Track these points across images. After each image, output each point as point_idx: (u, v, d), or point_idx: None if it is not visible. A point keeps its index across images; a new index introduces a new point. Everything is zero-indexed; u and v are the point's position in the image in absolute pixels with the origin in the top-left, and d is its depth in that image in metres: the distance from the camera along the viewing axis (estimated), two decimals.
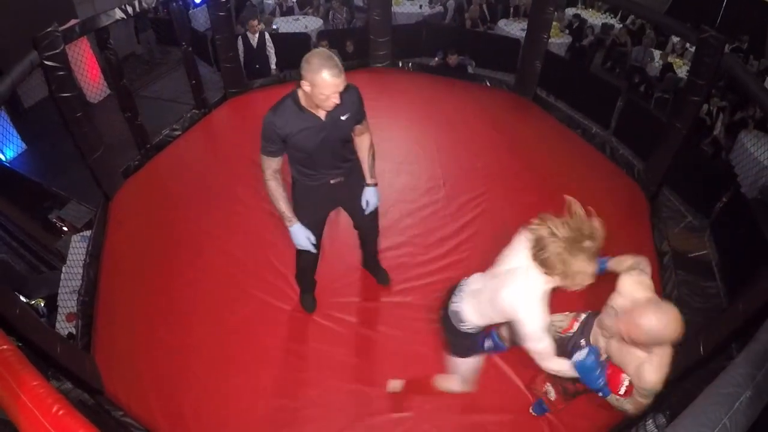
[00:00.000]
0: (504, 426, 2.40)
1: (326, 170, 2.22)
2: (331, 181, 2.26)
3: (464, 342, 1.85)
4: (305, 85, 1.89)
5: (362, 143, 2.30)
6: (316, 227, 2.37)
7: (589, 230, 1.37)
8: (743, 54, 6.96)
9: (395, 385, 2.39)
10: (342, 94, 1.92)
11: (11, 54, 3.35)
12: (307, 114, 2.01)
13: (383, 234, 3.03)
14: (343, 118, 2.06)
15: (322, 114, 2.02)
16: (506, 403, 2.49)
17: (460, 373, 2.00)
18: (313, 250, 2.32)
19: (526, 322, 1.51)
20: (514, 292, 1.51)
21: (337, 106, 1.96)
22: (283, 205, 2.18)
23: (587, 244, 1.36)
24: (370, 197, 2.39)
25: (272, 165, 2.11)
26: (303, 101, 1.99)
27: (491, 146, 4.34)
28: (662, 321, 1.44)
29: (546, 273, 1.43)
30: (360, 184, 2.37)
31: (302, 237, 2.25)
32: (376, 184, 2.39)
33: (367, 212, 2.43)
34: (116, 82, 3.93)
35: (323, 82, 1.83)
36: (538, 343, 1.56)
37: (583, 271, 1.37)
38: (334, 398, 2.51)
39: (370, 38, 5.49)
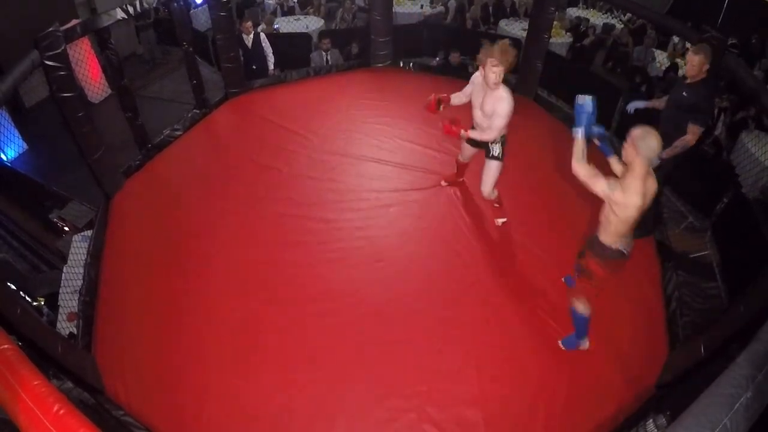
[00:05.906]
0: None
1: None
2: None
3: None
4: None
5: None
6: None
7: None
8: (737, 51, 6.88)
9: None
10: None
11: (12, 54, 3.35)
12: None
13: (385, 228, 2.94)
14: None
15: None
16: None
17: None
18: None
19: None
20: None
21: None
22: None
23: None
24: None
25: None
26: None
27: None
28: None
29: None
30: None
31: None
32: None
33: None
34: (117, 82, 3.95)
35: None
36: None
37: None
38: (335, 399, 2.51)
39: (371, 38, 5.50)
